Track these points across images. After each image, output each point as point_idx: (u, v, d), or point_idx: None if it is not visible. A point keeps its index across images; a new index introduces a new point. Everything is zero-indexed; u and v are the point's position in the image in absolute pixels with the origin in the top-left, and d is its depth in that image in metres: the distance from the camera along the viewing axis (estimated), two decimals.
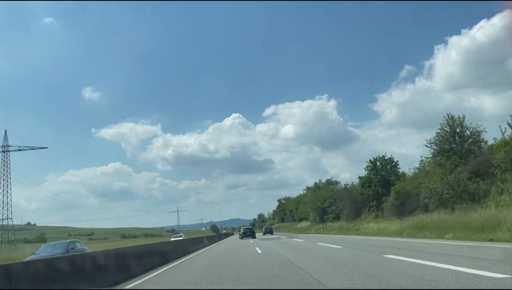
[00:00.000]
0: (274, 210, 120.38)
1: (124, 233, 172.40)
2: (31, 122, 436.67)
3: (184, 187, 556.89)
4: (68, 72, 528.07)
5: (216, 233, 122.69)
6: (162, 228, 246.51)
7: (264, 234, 50.23)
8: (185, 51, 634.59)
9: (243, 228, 46.61)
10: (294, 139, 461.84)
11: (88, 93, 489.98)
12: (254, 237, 38.29)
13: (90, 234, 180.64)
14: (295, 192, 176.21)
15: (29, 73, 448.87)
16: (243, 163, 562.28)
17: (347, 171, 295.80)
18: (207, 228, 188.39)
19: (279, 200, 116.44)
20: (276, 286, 6.56)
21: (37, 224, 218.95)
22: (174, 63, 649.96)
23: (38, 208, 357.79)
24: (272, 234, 50.55)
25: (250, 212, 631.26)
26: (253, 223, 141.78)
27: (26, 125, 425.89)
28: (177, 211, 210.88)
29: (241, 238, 37.48)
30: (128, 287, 8.27)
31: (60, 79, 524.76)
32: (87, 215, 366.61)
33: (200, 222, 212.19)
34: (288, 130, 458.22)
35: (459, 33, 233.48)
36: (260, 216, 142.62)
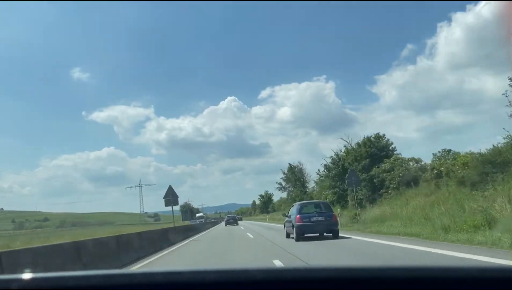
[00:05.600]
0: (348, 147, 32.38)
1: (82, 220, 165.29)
2: (16, 104, 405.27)
3: (179, 171, 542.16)
4: (55, 52, 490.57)
5: (188, 218, 66.05)
6: (145, 212, 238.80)
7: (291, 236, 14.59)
8: (178, 31, 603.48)
9: (227, 215, 52.60)
10: (291, 122, 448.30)
11: (77, 73, 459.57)
12: (237, 223, 42.15)
13: (42, 220, 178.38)
14: None
15: (14, 52, 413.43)
16: (239, 147, 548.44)
17: None
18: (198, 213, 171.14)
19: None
20: None
21: (3, 209, 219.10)
22: (167, 42, 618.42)
23: (31, 193, 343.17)
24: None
25: (247, 197, 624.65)
26: (259, 204, 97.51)
27: (12, 107, 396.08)
28: (140, 185, 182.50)
29: (226, 225, 40.50)
30: None
31: (47, 59, 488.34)
32: (81, 200, 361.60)
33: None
34: (284, 112, 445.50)
35: (463, 10, 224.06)
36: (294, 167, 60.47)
